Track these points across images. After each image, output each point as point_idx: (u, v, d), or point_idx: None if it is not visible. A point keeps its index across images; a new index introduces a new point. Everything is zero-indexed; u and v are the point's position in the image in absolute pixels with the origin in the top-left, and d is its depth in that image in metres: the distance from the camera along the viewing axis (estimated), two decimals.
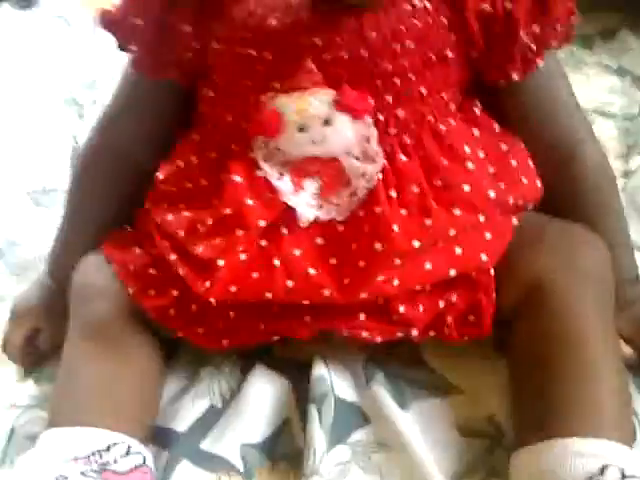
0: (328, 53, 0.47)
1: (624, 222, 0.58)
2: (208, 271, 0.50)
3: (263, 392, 0.55)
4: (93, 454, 0.47)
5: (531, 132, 0.55)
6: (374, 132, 0.49)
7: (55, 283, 0.61)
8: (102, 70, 1.01)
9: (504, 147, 0.54)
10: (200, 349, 0.56)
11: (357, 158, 0.49)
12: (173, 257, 0.52)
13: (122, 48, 0.54)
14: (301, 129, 0.49)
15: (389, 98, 0.49)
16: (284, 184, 0.50)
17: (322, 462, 0.49)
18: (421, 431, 0.51)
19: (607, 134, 0.76)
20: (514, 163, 0.54)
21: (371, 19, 0.48)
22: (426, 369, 0.56)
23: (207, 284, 0.50)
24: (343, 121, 0.48)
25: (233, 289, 0.50)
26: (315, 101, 0.48)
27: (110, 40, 1.07)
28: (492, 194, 0.51)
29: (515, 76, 0.51)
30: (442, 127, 0.51)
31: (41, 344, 0.61)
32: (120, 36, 0.54)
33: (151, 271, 0.55)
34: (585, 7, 0.94)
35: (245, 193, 0.50)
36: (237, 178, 0.50)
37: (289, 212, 0.50)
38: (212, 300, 0.50)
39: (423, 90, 0.50)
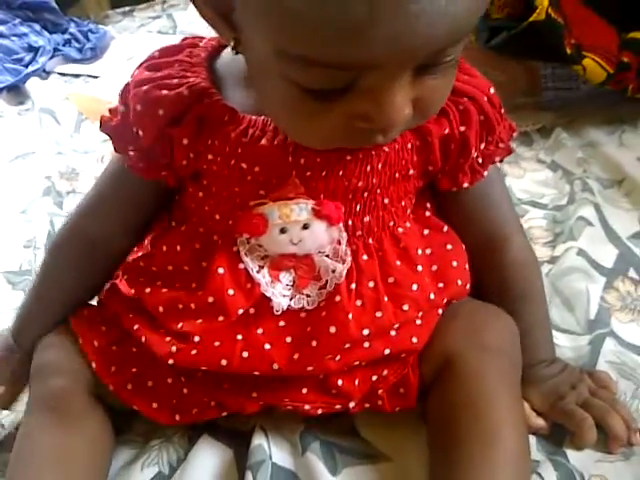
0: (310, 171, 0.53)
1: (544, 308, 0.64)
2: (181, 340, 0.56)
3: (207, 460, 0.59)
4: None
5: (467, 227, 0.61)
6: (344, 236, 0.55)
7: (21, 350, 0.65)
8: (82, 161, 1.10)
9: (449, 247, 0.60)
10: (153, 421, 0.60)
11: (328, 256, 0.56)
12: (136, 327, 0.58)
13: (118, 151, 0.57)
14: (282, 231, 0.54)
15: (358, 207, 0.55)
16: (262, 277, 0.55)
17: None
18: None
19: (537, 223, 0.84)
20: (455, 264, 0.60)
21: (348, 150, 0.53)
22: (358, 438, 0.60)
23: (173, 349, 0.55)
24: (319, 226, 0.54)
25: (194, 352, 0.55)
26: (297, 209, 0.53)
27: (91, 135, 1.17)
28: (432, 296, 0.58)
29: (465, 184, 0.58)
30: (400, 230, 0.58)
31: (0, 402, 0.64)
32: (119, 142, 0.57)
33: (113, 348, 0.60)
34: (527, 108, 1.05)
35: (228, 284, 0.55)
36: (220, 270, 0.55)
37: (264, 301, 0.56)
38: (170, 362, 0.55)
39: (386, 200, 0.56)
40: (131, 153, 0.55)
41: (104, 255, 0.63)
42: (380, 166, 0.54)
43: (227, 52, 0.56)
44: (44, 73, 1.45)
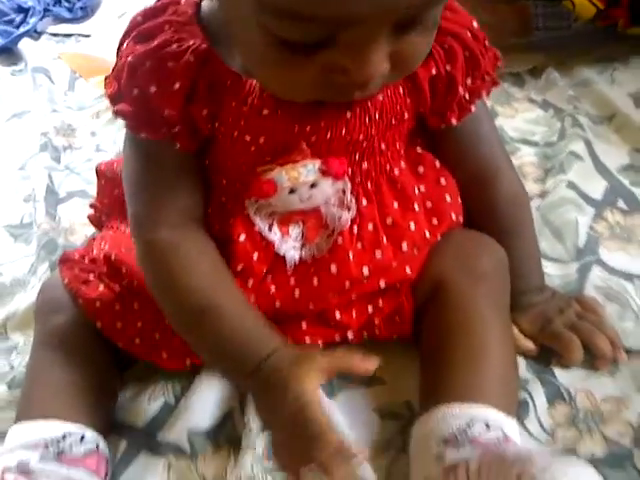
0: (315, 135, 0.54)
1: (534, 239, 0.66)
2: None
3: (210, 388, 0.61)
4: (51, 442, 0.54)
5: (457, 163, 0.63)
6: (349, 185, 0.58)
7: None
8: (77, 118, 1.11)
9: (443, 181, 0.62)
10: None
11: (334, 205, 0.58)
12: None
13: (151, 135, 0.54)
14: (291, 191, 0.56)
15: (357, 156, 0.57)
16: (273, 234, 0.57)
17: (257, 439, 0.55)
18: (345, 414, 0.58)
19: (528, 160, 0.85)
20: (448, 199, 0.62)
21: (346, 104, 0.54)
22: None
23: None
24: (326, 182, 0.56)
25: None
26: (304, 170, 0.55)
27: (85, 92, 1.17)
28: (428, 234, 0.60)
29: (454, 121, 0.60)
30: (396, 172, 0.60)
31: None
32: (148, 128, 0.54)
33: (116, 307, 0.62)
34: (518, 49, 1.05)
35: (251, 249, 0.57)
36: (242, 237, 0.57)
37: (278, 256, 0.58)
38: None
39: (383, 146, 0.58)
40: (164, 130, 0.54)
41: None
42: (377, 116, 0.56)
43: (207, 5, 0.55)
44: (35, 34, 1.44)
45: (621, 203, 0.77)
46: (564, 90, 0.95)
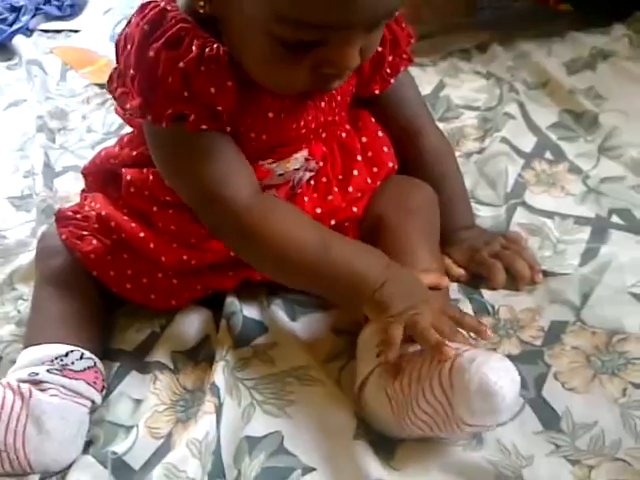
0: (304, 128, 0.65)
1: (461, 184, 0.78)
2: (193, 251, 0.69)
3: (190, 318, 0.72)
4: (56, 358, 0.64)
5: (386, 119, 0.74)
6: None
7: None
8: (69, 103, 1.21)
9: (380, 134, 0.74)
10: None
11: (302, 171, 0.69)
12: (142, 235, 0.69)
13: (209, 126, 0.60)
14: (280, 175, 0.67)
15: (320, 131, 0.68)
16: None
17: (228, 354, 0.66)
18: (304, 333, 0.69)
19: (470, 122, 0.96)
20: (385, 149, 0.74)
21: (319, 94, 0.64)
22: (313, 296, 0.71)
23: (184, 257, 0.69)
24: (307, 164, 0.68)
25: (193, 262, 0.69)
26: (294, 161, 0.67)
27: (76, 82, 1.27)
28: (369, 180, 0.71)
29: (376, 92, 0.71)
30: (343, 135, 0.71)
31: None
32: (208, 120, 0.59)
33: (108, 257, 0.71)
34: (466, 28, 1.16)
35: None
36: None
37: None
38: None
39: (337, 118, 0.69)
40: (219, 122, 0.60)
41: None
42: (339, 98, 0.68)
43: (189, 8, 0.59)
44: (28, 31, 1.55)
45: (548, 155, 0.88)
46: (505, 61, 1.07)
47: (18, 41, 1.48)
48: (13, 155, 1.10)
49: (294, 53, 0.54)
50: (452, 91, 1.03)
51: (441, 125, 0.94)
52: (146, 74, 0.58)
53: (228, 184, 0.61)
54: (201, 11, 0.56)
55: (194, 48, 0.57)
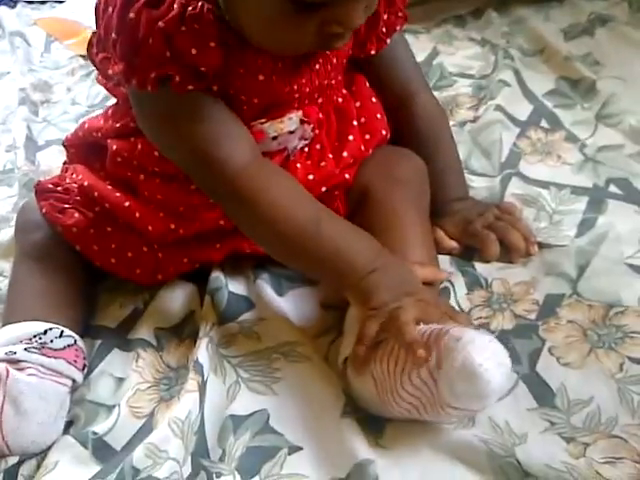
0: (297, 92, 0.63)
1: (454, 153, 0.75)
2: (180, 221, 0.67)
3: (174, 292, 0.70)
4: (34, 336, 0.62)
5: (379, 87, 0.72)
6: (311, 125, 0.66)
7: None
8: (53, 75, 1.18)
9: (374, 99, 0.71)
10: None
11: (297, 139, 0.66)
12: (127, 204, 0.67)
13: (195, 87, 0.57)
14: (274, 138, 0.64)
15: (317, 95, 0.66)
16: None
17: (212, 331, 0.64)
18: (292, 308, 0.67)
19: (464, 91, 0.93)
20: (378, 116, 0.71)
21: (314, 57, 0.63)
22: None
23: (172, 226, 0.67)
24: (302, 128, 0.65)
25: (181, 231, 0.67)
26: (288, 122, 0.64)
27: (61, 53, 1.23)
28: (362, 147, 0.69)
29: (372, 52, 0.68)
30: (340, 100, 0.69)
31: None
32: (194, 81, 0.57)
33: (91, 231, 0.69)
34: None
35: None
36: None
37: None
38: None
39: (333, 81, 0.67)
40: (204, 82, 0.58)
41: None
42: (335, 60, 0.65)
43: None
44: (11, 2, 1.51)
45: (544, 123, 0.85)
46: (500, 28, 1.03)
47: (1, 12, 1.44)
48: None
49: (302, 13, 0.52)
50: (446, 58, 0.99)
51: (435, 93, 0.91)
52: (127, 37, 0.56)
53: (221, 145, 0.59)
54: None
55: (175, 6, 0.55)
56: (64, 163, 0.77)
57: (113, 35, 0.57)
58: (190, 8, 0.55)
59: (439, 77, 0.97)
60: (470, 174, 0.79)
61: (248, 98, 0.62)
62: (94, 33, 0.62)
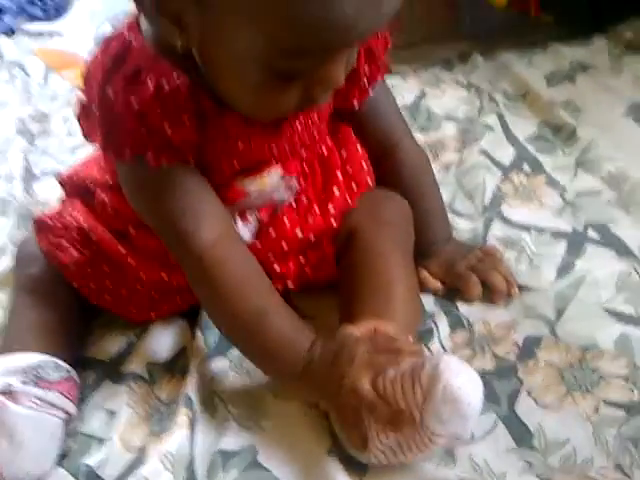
0: (277, 150, 0.65)
1: (437, 198, 0.78)
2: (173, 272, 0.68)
3: (166, 327, 0.72)
4: (30, 369, 0.63)
5: (363, 136, 0.74)
6: (295, 177, 0.69)
7: None
8: (51, 106, 1.21)
9: (360, 149, 0.74)
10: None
11: (282, 191, 0.68)
12: (124, 251, 0.69)
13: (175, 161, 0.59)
14: (256, 194, 0.66)
15: (301, 149, 0.68)
16: (237, 226, 0.67)
17: (203, 366, 0.66)
18: None
19: (450, 133, 0.97)
20: (364, 165, 0.74)
21: (295, 116, 0.64)
22: (292, 306, 0.71)
23: (163, 275, 0.69)
24: (284, 182, 0.67)
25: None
26: (269, 179, 0.66)
27: (59, 84, 1.26)
28: (348, 200, 0.72)
29: (355, 104, 0.71)
30: (324, 150, 0.71)
31: None
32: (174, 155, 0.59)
33: (88, 270, 0.71)
34: (448, 38, 1.17)
35: None
36: None
37: None
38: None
39: (316, 135, 0.69)
40: (179, 155, 0.59)
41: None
42: (316, 117, 0.67)
43: (152, 39, 0.58)
44: (10, 32, 1.54)
45: (526, 167, 0.88)
46: (485, 72, 1.07)
47: (1, 42, 1.47)
48: None
49: (285, 80, 0.53)
50: (433, 101, 1.03)
51: (421, 135, 0.95)
52: (105, 112, 0.58)
53: (189, 221, 0.60)
54: (178, 46, 0.53)
55: (150, 84, 0.56)
56: (62, 199, 0.79)
57: (94, 107, 0.59)
58: (165, 85, 0.56)
59: (426, 119, 1.00)
60: (454, 215, 0.82)
61: (228, 162, 0.64)
62: (80, 101, 0.63)
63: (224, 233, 0.61)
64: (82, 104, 0.63)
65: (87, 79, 0.60)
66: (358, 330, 0.58)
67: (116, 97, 0.56)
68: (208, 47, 0.53)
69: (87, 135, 0.65)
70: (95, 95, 0.58)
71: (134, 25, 0.59)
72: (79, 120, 0.65)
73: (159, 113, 0.57)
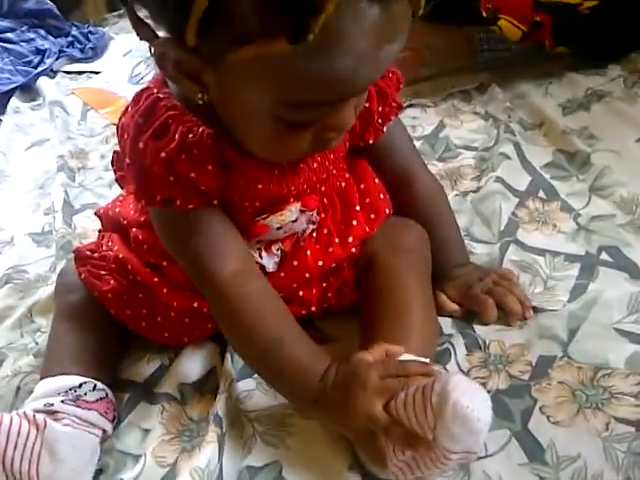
0: (295, 188, 0.68)
1: (453, 225, 0.81)
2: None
3: (197, 351, 0.76)
4: (70, 389, 0.68)
5: (380, 166, 0.78)
6: (316, 210, 0.73)
7: None
8: (89, 143, 1.28)
9: (377, 181, 0.78)
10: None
11: (304, 224, 0.73)
12: (156, 279, 0.74)
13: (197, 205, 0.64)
14: (279, 228, 0.71)
15: (319, 185, 0.72)
16: (261, 258, 0.71)
17: (231, 386, 0.70)
18: None
19: (467, 162, 1.00)
20: (381, 196, 0.78)
21: (311, 156, 0.68)
22: (314, 328, 0.75)
23: (195, 304, 0.73)
24: (304, 215, 0.71)
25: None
26: (289, 214, 0.70)
27: (96, 122, 1.33)
28: (367, 229, 0.76)
29: (371, 141, 0.75)
30: (343, 184, 0.75)
31: None
32: (195, 199, 0.64)
33: (125, 297, 0.76)
34: (467, 69, 1.21)
35: None
36: None
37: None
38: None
39: (334, 171, 0.73)
40: (204, 199, 0.64)
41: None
42: (332, 155, 0.71)
43: (179, 95, 0.63)
44: (52, 72, 1.63)
45: (541, 193, 0.91)
46: (503, 102, 1.11)
47: (42, 82, 1.56)
48: (35, 193, 1.16)
49: (297, 129, 0.57)
50: (451, 131, 1.07)
51: (440, 164, 0.99)
52: (136, 164, 0.63)
53: (211, 260, 0.65)
54: (199, 102, 0.58)
55: (177, 136, 0.61)
56: (99, 231, 0.84)
57: (127, 159, 0.65)
58: (190, 136, 0.61)
59: (445, 149, 1.04)
60: (471, 241, 0.85)
61: (250, 203, 0.68)
62: (115, 152, 0.70)
63: (242, 269, 0.66)
64: (116, 153, 0.68)
65: (121, 132, 0.66)
66: (370, 355, 0.62)
67: (146, 149, 0.62)
68: (225, 103, 0.58)
69: (119, 180, 0.71)
70: (127, 147, 0.64)
71: (161, 80, 0.65)
72: (113, 167, 0.70)
73: (185, 162, 0.62)
